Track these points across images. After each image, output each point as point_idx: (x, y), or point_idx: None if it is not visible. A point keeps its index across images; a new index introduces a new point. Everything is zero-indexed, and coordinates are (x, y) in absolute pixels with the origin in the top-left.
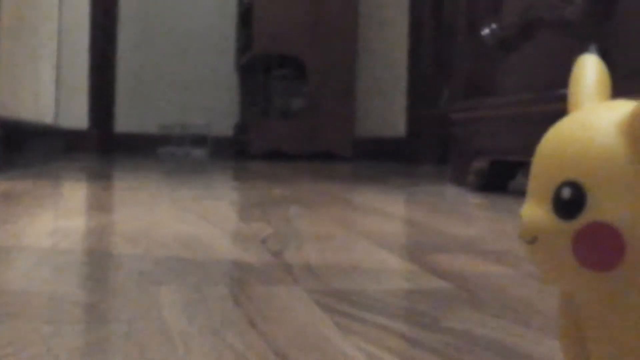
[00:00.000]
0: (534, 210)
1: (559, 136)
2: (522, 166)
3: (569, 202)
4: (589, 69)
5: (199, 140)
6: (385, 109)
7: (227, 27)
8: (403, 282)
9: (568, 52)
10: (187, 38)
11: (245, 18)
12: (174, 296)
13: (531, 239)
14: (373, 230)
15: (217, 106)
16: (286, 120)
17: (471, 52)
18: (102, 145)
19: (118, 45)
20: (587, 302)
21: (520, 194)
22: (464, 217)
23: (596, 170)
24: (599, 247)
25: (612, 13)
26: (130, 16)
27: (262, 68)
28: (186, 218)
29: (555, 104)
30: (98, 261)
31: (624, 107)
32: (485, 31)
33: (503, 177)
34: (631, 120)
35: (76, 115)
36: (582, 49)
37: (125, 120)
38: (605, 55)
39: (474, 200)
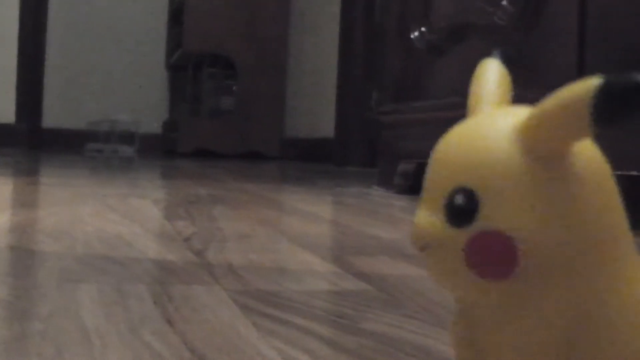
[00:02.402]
0: (427, 216)
1: (453, 141)
2: None
3: (462, 208)
4: (490, 74)
5: (127, 137)
6: (315, 110)
7: (158, 24)
8: (324, 283)
9: None
10: (117, 34)
11: (177, 16)
12: (93, 294)
13: (423, 246)
14: (297, 231)
15: (146, 104)
16: (215, 119)
17: (401, 55)
18: (29, 141)
19: (47, 40)
20: (479, 309)
21: None
22: (388, 220)
23: (490, 176)
24: (492, 256)
25: (540, 18)
26: (60, 11)
27: (193, 66)
28: (110, 216)
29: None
30: (19, 258)
31: (519, 113)
32: (415, 34)
33: None
34: (525, 127)
35: (3, 109)
36: (491, 53)
37: (53, 116)
38: (517, 60)
39: (399, 203)
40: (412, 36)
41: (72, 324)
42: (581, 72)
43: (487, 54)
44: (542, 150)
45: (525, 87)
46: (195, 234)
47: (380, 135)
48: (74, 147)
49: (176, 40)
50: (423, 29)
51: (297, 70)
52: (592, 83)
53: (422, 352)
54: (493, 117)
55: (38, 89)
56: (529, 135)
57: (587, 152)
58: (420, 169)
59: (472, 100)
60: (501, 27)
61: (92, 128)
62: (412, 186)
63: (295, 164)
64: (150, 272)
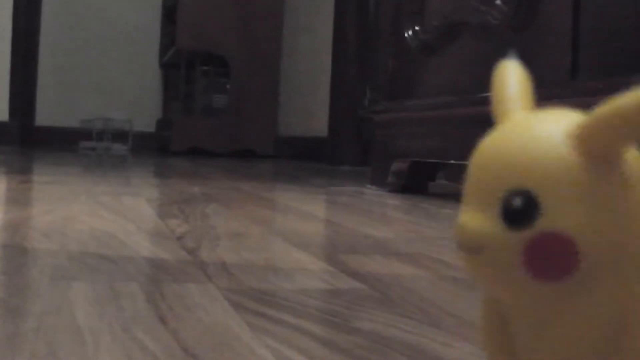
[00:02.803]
0: (478, 219)
1: (502, 144)
2: (442, 168)
3: (520, 211)
4: (512, 76)
5: (120, 136)
6: (308, 109)
7: (152, 22)
8: (317, 282)
9: (490, 56)
10: (111, 32)
11: (170, 14)
12: (86, 292)
13: (476, 248)
14: (290, 230)
15: (139, 102)
16: (208, 118)
17: (394, 54)
18: (23, 139)
19: (40, 38)
20: (530, 310)
21: (440, 196)
22: (381, 219)
23: (548, 178)
24: (553, 257)
25: (534, 18)
26: (54, 9)
27: (186, 65)
28: (103, 214)
29: (476, 107)
30: (11, 256)
31: (568, 116)
32: (409, 33)
33: (423, 179)
34: (581, 130)
35: None
36: (503, 53)
37: (47, 114)
38: (523, 60)
39: (392, 202)
40: (405, 35)
41: (64, 322)
42: (575, 72)
43: (481, 53)
44: (597, 153)
45: None
46: (189, 232)
47: (374, 134)
48: (68, 145)
49: (170, 38)
50: (417, 27)
51: (291, 68)
52: None
53: (415, 351)
54: (543, 120)
55: (31, 87)
56: (584, 138)
57: (638, 158)
58: (414, 167)
59: (499, 103)
60: (495, 27)
61: (85, 126)
62: (406, 185)
63: (289, 162)
64: (143, 271)
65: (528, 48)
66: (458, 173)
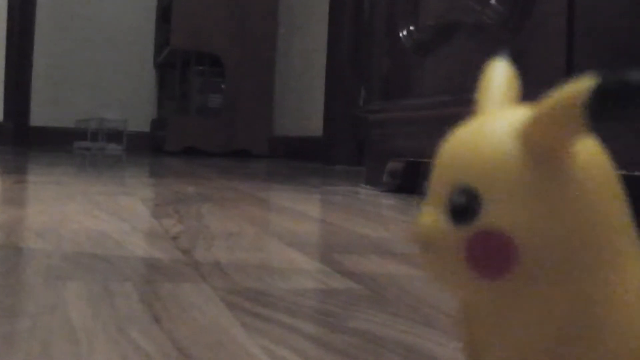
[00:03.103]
0: (429, 215)
1: (457, 140)
2: None
3: (463, 207)
4: (498, 74)
5: (115, 136)
6: (303, 108)
7: (146, 22)
8: (312, 282)
9: (484, 55)
10: (105, 32)
11: (165, 14)
12: (81, 292)
13: (424, 244)
14: (285, 230)
15: (134, 102)
16: (203, 118)
17: (389, 54)
18: (17, 139)
19: (35, 38)
20: (477, 308)
21: None
22: (376, 218)
23: (491, 176)
24: (492, 255)
25: (529, 18)
26: (48, 9)
27: (181, 65)
28: (98, 214)
29: (471, 106)
30: (6, 255)
31: (522, 113)
32: (403, 33)
33: (417, 179)
34: (525, 126)
35: None
36: (496, 53)
37: (42, 114)
38: (517, 60)
39: (387, 202)
40: (400, 35)
41: (59, 322)
42: (569, 71)
43: (475, 52)
44: (542, 149)
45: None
46: (183, 232)
47: (369, 134)
48: (62, 145)
49: (164, 38)
50: (411, 27)
51: (286, 68)
52: (586, 81)
53: (410, 351)
54: (495, 117)
55: (26, 87)
56: (528, 135)
57: (589, 151)
58: (409, 167)
59: (479, 100)
60: (490, 26)
61: (80, 126)
62: (401, 185)
63: (284, 162)
64: (138, 270)
65: (523, 48)
66: None
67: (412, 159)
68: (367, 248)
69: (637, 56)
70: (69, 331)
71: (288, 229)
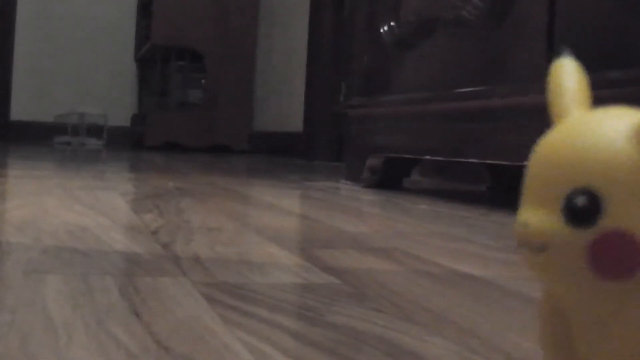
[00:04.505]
0: (542, 217)
1: (564, 143)
2: (417, 164)
3: (584, 209)
4: (569, 74)
5: (95, 130)
6: (283, 104)
7: (127, 17)
8: (291, 276)
9: (465, 51)
10: (86, 27)
11: (146, 9)
12: (60, 286)
13: (540, 246)
14: (264, 224)
15: (114, 97)
16: (184, 113)
17: (369, 50)
18: None
19: (15, 33)
20: (591, 309)
21: (414, 191)
22: (355, 214)
23: (612, 177)
24: (618, 256)
25: (510, 13)
26: (29, 4)
27: (161, 60)
28: (77, 208)
29: (451, 102)
30: None
31: (630, 114)
32: (384, 29)
33: (398, 175)
34: None
35: None
36: (560, 51)
37: (22, 109)
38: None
39: (367, 197)
40: (381, 30)
41: (38, 316)
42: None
43: (456, 48)
44: None
45: (494, 83)
46: (163, 226)
47: (349, 130)
48: (43, 140)
49: (145, 33)
50: (392, 23)
51: (266, 64)
52: None
53: (389, 346)
54: (604, 119)
55: (6, 82)
56: None
57: None
58: (389, 163)
59: (557, 102)
60: (470, 22)
61: (60, 121)
62: (380, 180)
63: (264, 157)
64: (117, 264)
65: (503, 44)
66: (432, 169)
67: (391, 155)
68: (346, 243)
69: (619, 55)
70: (48, 325)
71: (268, 224)
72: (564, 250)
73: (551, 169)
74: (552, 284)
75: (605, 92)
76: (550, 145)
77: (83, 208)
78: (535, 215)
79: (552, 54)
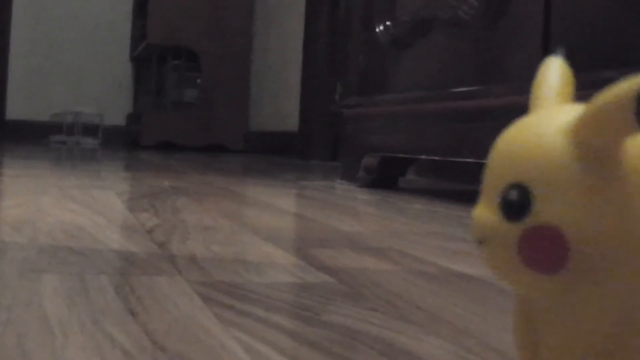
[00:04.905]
0: (484, 211)
1: (509, 138)
2: (412, 163)
3: (516, 204)
4: (553, 72)
5: (91, 130)
6: (279, 103)
7: (123, 16)
8: (287, 275)
9: (461, 51)
10: (81, 26)
11: (141, 8)
12: (56, 285)
13: (480, 239)
14: (260, 224)
15: (110, 96)
16: (179, 112)
17: (365, 49)
18: None
19: (11, 32)
20: (535, 304)
21: (410, 191)
22: (351, 213)
23: (542, 173)
24: (544, 250)
25: (505, 13)
26: (24, 3)
27: (157, 59)
28: (73, 207)
29: (446, 102)
30: None
31: (573, 111)
32: (380, 28)
33: (393, 174)
34: (576, 124)
35: None
36: (554, 51)
37: (17, 108)
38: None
39: (362, 197)
40: (376, 30)
41: (34, 314)
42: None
43: (452, 48)
44: (592, 147)
45: (490, 82)
46: (159, 225)
47: (344, 129)
48: (38, 139)
49: (141, 32)
50: (388, 22)
51: (262, 63)
52: (636, 80)
53: (384, 345)
54: (547, 115)
55: (2, 81)
56: (579, 133)
57: (638, 149)
58: (384, 162)
59: (535, 98)
60: (466, 22)
61: (56, 120)
62: (376, 180)
63: (260, 157)
64: (113, 263)
65: (499, 43)
66: (428, 168)
67: (387, 154)
68: (342, 243)
69: (614, 55)
70: (44, 324)
71: (264, 224)
72: (499, 244)
73: (496, 165)
74: (496, 276)
75: (601, 91)
76: (500, 141)
77: (79, 207)
78: (481, 209)
79: (547, 54)
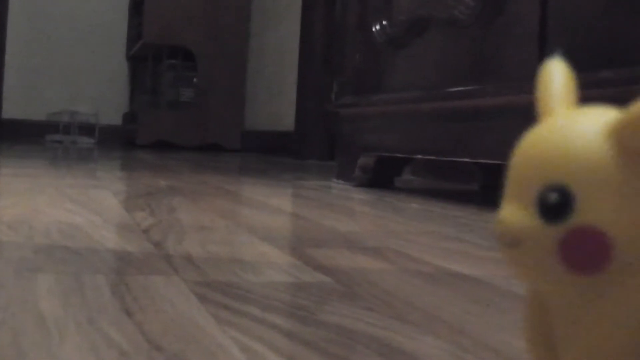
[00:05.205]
0: (516, 213)
1: (542, 140)
2: (409, 163)
3: (556, 205)
4: (557, 74)
5: (87, 129)
6: (275, 103)
7: (119, 15)
8: (283, 275)
9: (457, 51)
10: (77, 26)
11: (137, 7)
12: (52, 284)
13: (513, 242)
14: (256, 223)
15: (106, 95)
16: (175, 111)
17: (361, 49)
18: None
19: (7, 32)
20: (565, 304)
21: (406, 190)
22: (347, 213)
23: (584, 174)
24: (587, 251)
25: (502, 13)
26: (21, 2)
27: (153, 58)
28: (69, 206)
29: (443, 102)
30: None
31: (606, 113)
32: (376, 28)
33: (389, 174)
34: (618, 126)
35: None
36: (553, 52)
37: (13, 107)
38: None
39: (358, 196)
40: (373, 29)
41: (29, 314)
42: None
43: (448, 47)
44: (634, 149)
45: (486, 82)
46: (155, 225)
47: (340, 129)
48: (34, 138)
49: (136, 31)
50: (384, 22)
51: (258, 62)
52: None
53: (380, 345)
54: (581, 117)
55: None
56: (621, 135)
57: None
58: (380, 162)
59: (543, 101)
60: (462, 21)
61: (52, 119)
62: (372, 179)
63: (256, 156)
64: (109, 263)
65: (495, 43)
66: (424, 168)
67: (383, 154)
68: (338, 242)
69: (610, 55)
70: (40, 323)
71: (260, 223)
72: (536, 246)
73: (527, 166)
74: (528, 279)
75: (596, 91)
76: (528, 143)
77: (75, 206)
78: (511, 212)
79: (543, 54)
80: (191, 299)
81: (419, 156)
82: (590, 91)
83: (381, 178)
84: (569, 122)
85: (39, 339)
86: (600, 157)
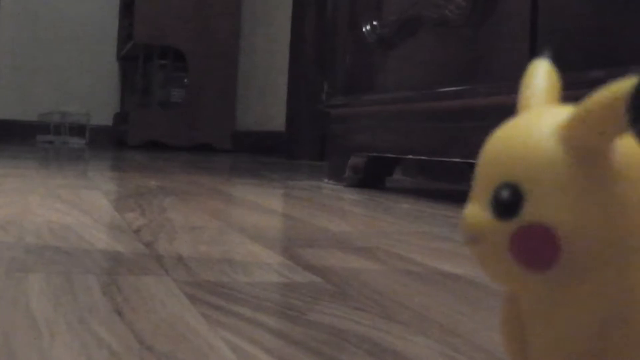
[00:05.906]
0: (475, 210)
1: (500, 138)
2: (400, 163)
3: (507, 202)
4: (540, 74)
5: (78, 129)
6: (266, 103)
7: (109, 15)
8: (273, 275)
9: (448, 50)
10: (68, 26)
11: (128, 8)
12: (42, 284)
13: (473, 238)
14: (247, 223)
15: (97, 95)
16: (166, 112)
17: (352, 49)
18: None
19: None
20: (526, 299)
21: (397, 190)
22: (338, 213)
23: (534, 172)
24: (535, 248)
25: (492, 13)
26: (11, 3)
27: (144, 58)
28: (60, 207)
29: (433, 102)
30: None
31: (563, 111)
32: (367, 28)
33: (380, 174)
34: (567, 124)
35: None
36: (540, 52)
37: (4, 107)
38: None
39: (349, 196)
40: (363, 29)
41: (20, 314)
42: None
43: (438, 47)
44: (583, 146)
45: (477, 82)
46: (145, 225)
47: (331, 129)
48: (25, 138)
49: (127, 31)
50: (374, 22)
51: (249, 63)
52: (629, 82)
53: (371, 344)
54: (538, 115)
55: None
56: (571, 132)
57: (629, 149)
58: (371, 162)
59: (522, 99)
60: (453, 21)
61: (43, 120)
62: (363, 180)
63: (247, 157)
64: (100, 263)
65: (486, 43)
66: (415, 168)
67: (374, 154)
68: (329, 242)
69: (601, 54)
70: (31, 324)
71: (251, 223)
72: (492, 242)
73: (488, 164)
74: (490, 275)
75: (587, 91)
76: (491, 142)
77: (66, 207)
78: (472, 209)
79: (534, 54)
80: (182, 299)
81: (410, 156)
82: (581, 91)
83: (372, 178)
84: (527, 120)
85: (30, 339)
86: (550, 155)
